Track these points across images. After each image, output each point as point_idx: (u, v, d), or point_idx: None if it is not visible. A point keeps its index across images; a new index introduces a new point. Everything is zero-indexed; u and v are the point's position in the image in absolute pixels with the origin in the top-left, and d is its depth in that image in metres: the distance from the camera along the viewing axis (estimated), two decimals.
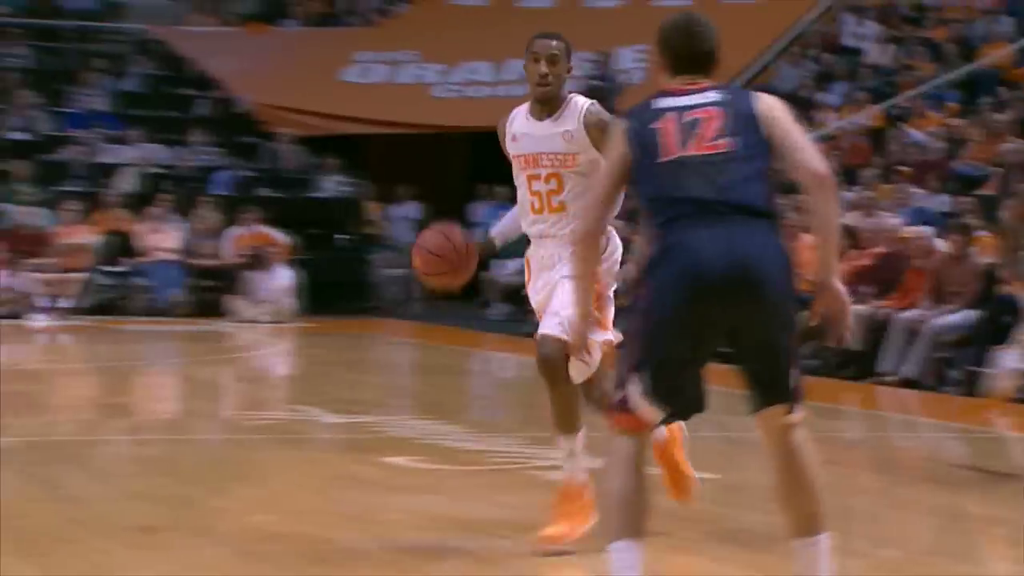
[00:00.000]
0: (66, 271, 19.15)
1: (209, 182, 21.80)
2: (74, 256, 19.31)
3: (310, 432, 9.65)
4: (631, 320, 4.45)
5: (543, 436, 8.82)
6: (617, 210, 4.97)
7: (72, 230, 19.64)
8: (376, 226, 21.95)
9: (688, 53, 4.61)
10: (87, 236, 19.65)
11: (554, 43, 5.77)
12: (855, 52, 21.16)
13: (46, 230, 19.71)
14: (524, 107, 5.88)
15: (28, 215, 19.94)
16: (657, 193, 4.42)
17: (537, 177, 5.76)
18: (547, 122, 5.76)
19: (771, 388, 4.41)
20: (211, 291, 19.68)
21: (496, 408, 12.21)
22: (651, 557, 5.46)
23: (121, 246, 19.81)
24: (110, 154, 21.91)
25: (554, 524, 5.68)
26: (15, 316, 18.39)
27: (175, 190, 20.93)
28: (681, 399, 4.44)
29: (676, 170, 4.41)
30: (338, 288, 19.99)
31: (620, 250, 5.83)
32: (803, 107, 19.79)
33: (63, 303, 18.90)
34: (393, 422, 9.86)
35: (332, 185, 22.31)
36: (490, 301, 19.48)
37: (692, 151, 4.42)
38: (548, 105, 5.77)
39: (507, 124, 5.89)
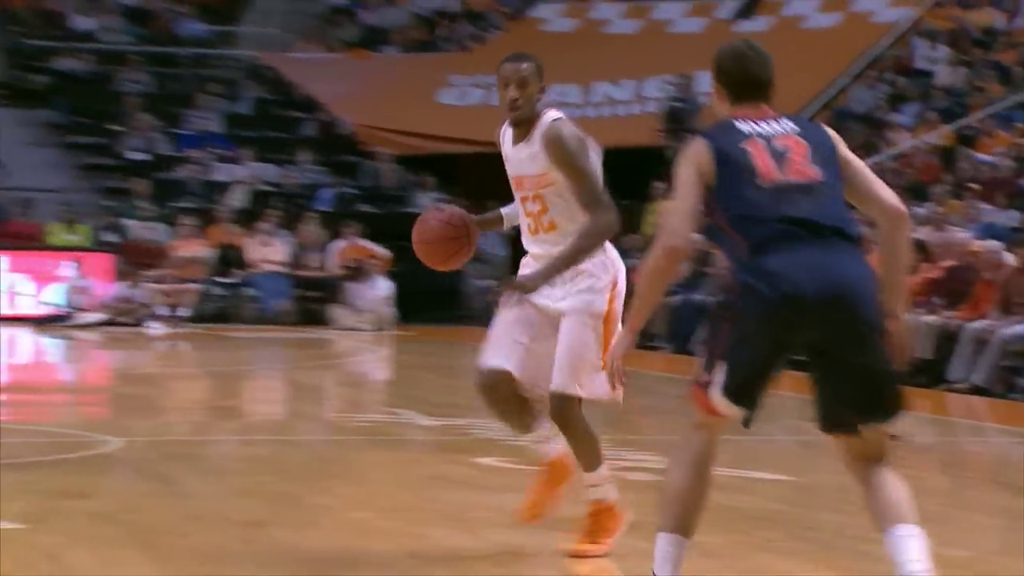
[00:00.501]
0: (181, 282, 19.40)
1: (313, 199, 21.98)
2: (188, 268, 19.56)
3: (406, 434, 9.68)
4: (721, 319, 4.35)
5: (625, 439, 8.82)
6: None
7: (187, 244, 19.89)
8: None
9: (746, 80, 4.48)
10: (200, 249, 19.89)
11: (523, 66, 5.45)
12: (927, 75, 20.93)
13: (163, 244, 20.00)
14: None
15: (146, 230, 20.26)
16: (751, 212, 4.29)
17: (526, 199, 5.46)
18: (521, 145, 5.45)
19: (864, 405, 4.36)
20: (314, 301, 19.85)
21: None
22: (730, 556, 5.44)
23: (232, 259, 20.02)
24: (222, 173, 22.17)
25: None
26: (135, 324, 18.67)
27: (282, 206, 21.13)
28: (750, 404, 4.38)
29: (773, 192, 4.30)
30: (433, 298, 20.04)
31: (624, 273, 5.46)
32: (877, 127, 19.62)
33: (178, 312, 19.14)
34: (483, 424, 9.85)
35: (428, 201, 22.39)
36: None
37: (790, 176, 4.33)
38: (522, 127, 5.44)
39: (500, 137, 5.59)
